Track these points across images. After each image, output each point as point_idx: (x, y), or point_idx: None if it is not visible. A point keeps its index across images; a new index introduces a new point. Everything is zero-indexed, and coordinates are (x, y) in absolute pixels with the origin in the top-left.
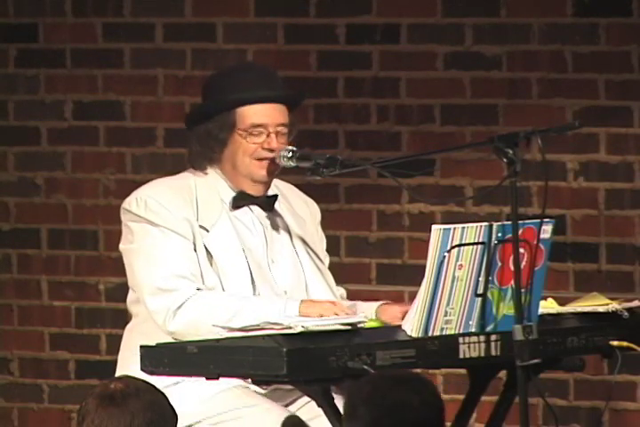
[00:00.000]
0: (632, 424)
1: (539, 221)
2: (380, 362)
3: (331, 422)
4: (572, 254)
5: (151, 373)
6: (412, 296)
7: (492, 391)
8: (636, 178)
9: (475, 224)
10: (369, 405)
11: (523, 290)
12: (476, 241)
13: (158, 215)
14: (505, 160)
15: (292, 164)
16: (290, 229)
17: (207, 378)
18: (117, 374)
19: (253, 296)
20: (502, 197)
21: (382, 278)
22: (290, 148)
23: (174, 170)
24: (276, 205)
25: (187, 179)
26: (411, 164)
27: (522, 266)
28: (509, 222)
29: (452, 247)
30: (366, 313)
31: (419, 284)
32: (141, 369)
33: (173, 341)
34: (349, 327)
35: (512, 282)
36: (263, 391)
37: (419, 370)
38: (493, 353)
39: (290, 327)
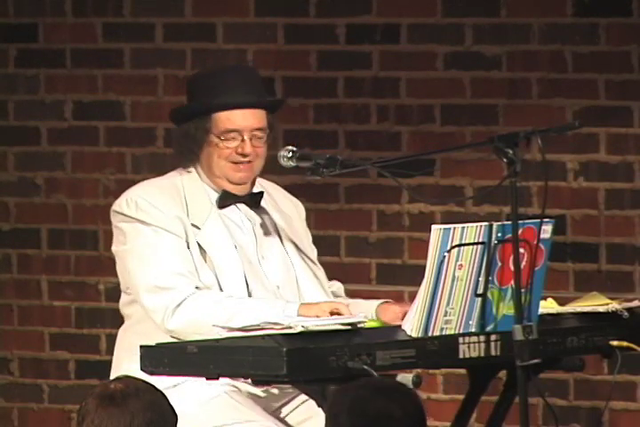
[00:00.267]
0: (632, 424)
1: (539, 221)
2: (380, 362)
3: None
4: (572, 254)
5: (151, 373)
6: (412, 296)
7: (492, 391)
8: (636, 178)
9: (475, 224)
10: (350, 414)
11: (523, 290)
12: (475, 241)
13: (150, 215)
14: (505, 160)
15: (292, 164)
16: (277, 226)
17: (207, 378)
18: (112, 374)
19: (252, 298)
20: (502, 197)
21: (382, 278)
22: (290, 148)
23: (174, 170)
24: (262, 203)
25: (174, 178)
26: (411, 164)
27: (522, 266)
28: (509, 222)
29: (452, 247)
30: (366, 312)
31: (419, 284)
32: (141, 369)
33: (171, 341)
34: (349, 327)
35: (512, 282)
36: (259, 392)
37: (419, 370)
38: (493, 353)
39: (290, 327)
